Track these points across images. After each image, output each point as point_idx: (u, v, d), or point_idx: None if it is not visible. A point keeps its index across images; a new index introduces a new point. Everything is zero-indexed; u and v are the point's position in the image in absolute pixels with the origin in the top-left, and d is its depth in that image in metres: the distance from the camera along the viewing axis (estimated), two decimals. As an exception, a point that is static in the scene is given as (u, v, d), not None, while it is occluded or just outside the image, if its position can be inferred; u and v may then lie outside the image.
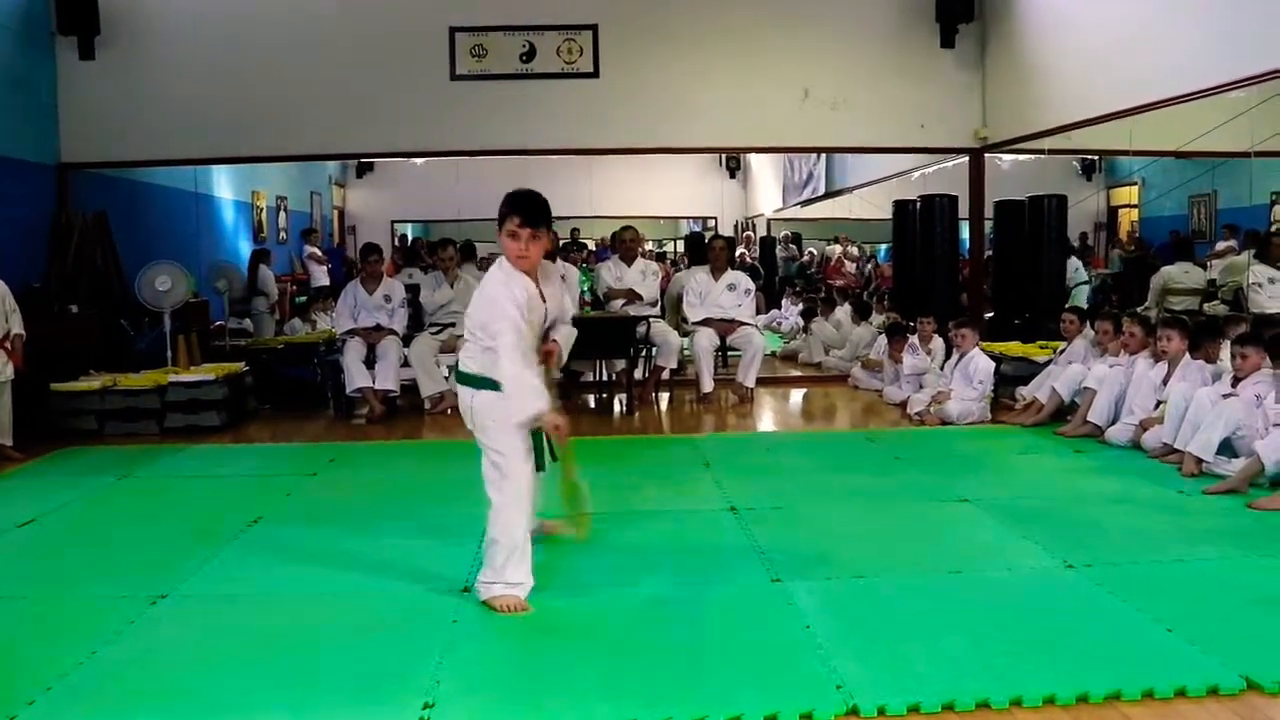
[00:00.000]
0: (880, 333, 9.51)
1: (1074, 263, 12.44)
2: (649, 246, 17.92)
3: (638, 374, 8.56)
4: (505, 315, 3.63)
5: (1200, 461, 5.52)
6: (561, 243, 16.12)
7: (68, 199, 9.02)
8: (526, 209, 3.73)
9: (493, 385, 3.72)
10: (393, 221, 19.19)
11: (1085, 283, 12.47)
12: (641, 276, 8.74)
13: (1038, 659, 3.21)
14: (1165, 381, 6.30)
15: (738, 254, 15.96)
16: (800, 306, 13.16)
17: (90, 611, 3.79)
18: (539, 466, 3.87)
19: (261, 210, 14.48)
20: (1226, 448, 5.51)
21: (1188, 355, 6.27)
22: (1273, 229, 11.45)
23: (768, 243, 18.94)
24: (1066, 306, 8.85)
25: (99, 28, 8.94)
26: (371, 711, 2.95)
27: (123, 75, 9.08)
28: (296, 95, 9.24)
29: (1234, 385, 5.69)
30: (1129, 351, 6.81)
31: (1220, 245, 12.24)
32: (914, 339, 8.66)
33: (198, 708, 2.98)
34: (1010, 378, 8.03)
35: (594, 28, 9.35)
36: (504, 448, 3.76)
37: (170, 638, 3.57)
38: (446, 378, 8.32)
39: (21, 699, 3.03)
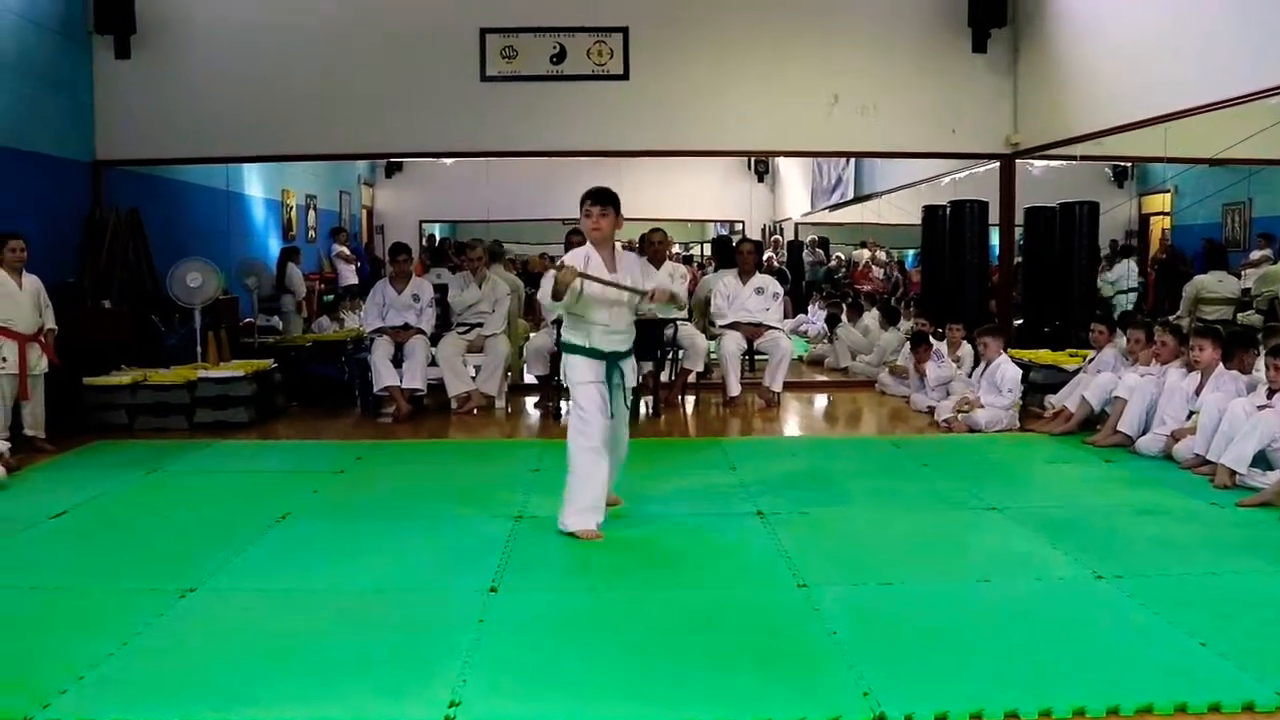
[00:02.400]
0: (907, 339, 9.46)
1: (1128, 266, 12.17)
2: (676, 249, 17.89)
3: (664, 376, 8.55)
4: (548, 273, 4.66)
5: (1234, 474, 5.45)
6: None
7: (102, 195, 9.11)
8: (595, 193, 4.82)
9: (575, 349, 4.78)
10: (421, 221, 19.24)
11: (1135, 289, 12.09)
12: (670, 279, 8.69)
13: (1068, 670, 3.19)
14: (1198, 392, 6.23)
15: (765, 258, 15.92)
16: (827, 312, 13.09)
17: (120, 603, 3.83)
18: (610, 414, 4.76)
19: (291, 209, 14.57)
20: (1261, 460, 5.45)
21: (1221, 365, 6.19)
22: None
23: (795, 247, 18.88)
24: (1096, 315, 8.75)
25: (135, 27, 9.02)
26: (398, 708, 2.96)
27: (157, 74, 9.15)
28: (327, 95, 9.29)
29: (1269, 397, 5.62)
30: (1160, 361, 6.75)
31: (1255, 254, 12.10)
32: (939, 346, 8.61)
33: (225, 701, 3.00)
34: (1039, 386, 7.97)
35: (625, 30, 9.35)
36: (582, 401, 4.72)
37: (199, 631, 3.60)
38: (473, 377, 8.35)
39: (54, 688, 3.06)
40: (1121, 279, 12.13)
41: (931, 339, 8.81)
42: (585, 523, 4.65)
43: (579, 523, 4.65)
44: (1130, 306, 11.70)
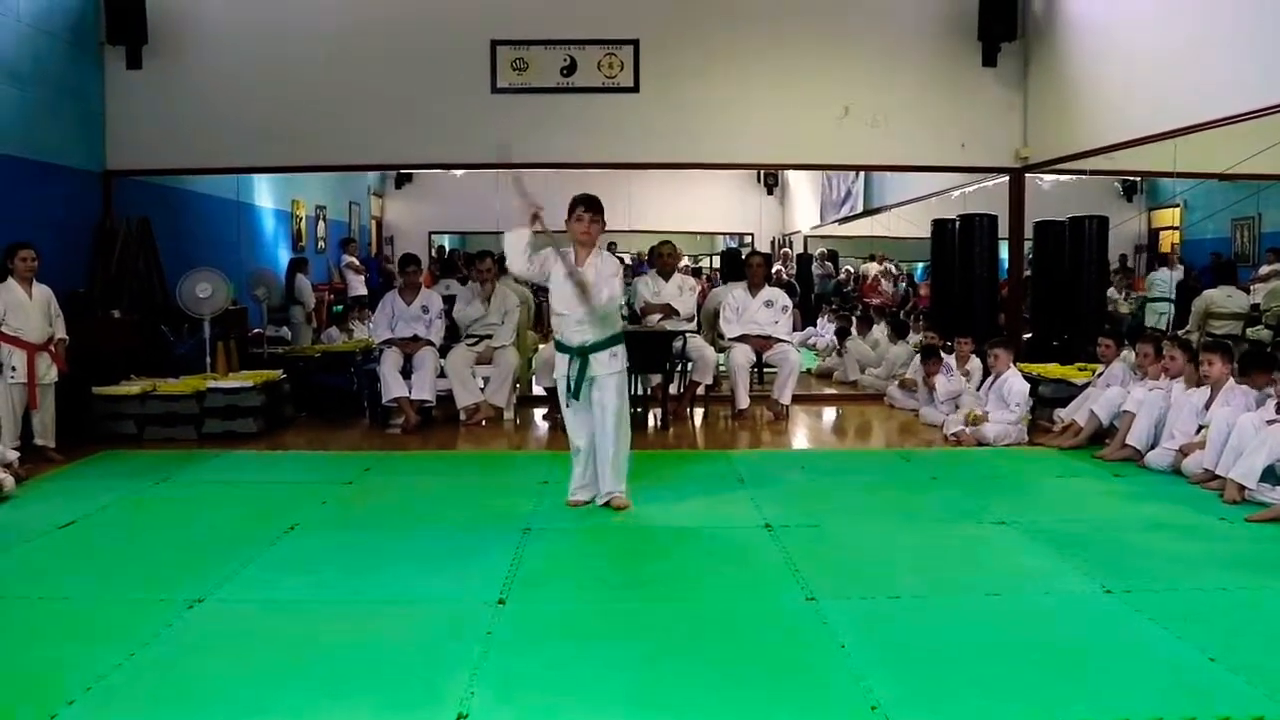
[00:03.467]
0: (917, 352, 9.44)
1: (1164, 274, 12.02)
2: (685, 262, 17.92)
3: (673, 389, 8.54)
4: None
5: (1243, 488, 5.43)
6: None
7: (112, 205, 9.15)
8: (588, 200, 5.28)
9: (555, 344, 5.34)
10: (430, 232, 19.30)
11: (1169, 299, 11.87)
12: (679, 291, 8.71)
13: (1077, 684, 3.17)
14: (1207, 406, 6.20)
15: (774, 270, 15.93)
16: (836, 325, 13.08)
17: (128, 614, 3.83)
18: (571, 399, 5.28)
19: (301, 219, 14.62)
20: (1270, 475, 5.42)
21: (1230, 380, 6.17)
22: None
23: (804, 259, 18.88)
24: (1104, 329, 8.72)
25: (146, 38, 9.06)
26: (405, 720, 2.96)
27: (168, 84, 9.19)
28: (338, 106, 9.32)
29: (1278, 411, 5.60)
30: (1169, 375, 6.73)
31: (1264, 269, 12.07)
32: (949, 359, 8.59)
33: (233, 712, 3.01)
34: (1048, 399, 7.96)
35: (635, 43, 9.37)
36: (560, 401, 5.42)
37: (206, 642, 3.59)
38: (482, 389, 8.36)
39: (61, 698, 3.06)
40: (1162, 286, 11.79)
41: (940, 352, 8.80)
42: (570, 495, 5.44)
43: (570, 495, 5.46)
44: (1164, 318, 11.44)
